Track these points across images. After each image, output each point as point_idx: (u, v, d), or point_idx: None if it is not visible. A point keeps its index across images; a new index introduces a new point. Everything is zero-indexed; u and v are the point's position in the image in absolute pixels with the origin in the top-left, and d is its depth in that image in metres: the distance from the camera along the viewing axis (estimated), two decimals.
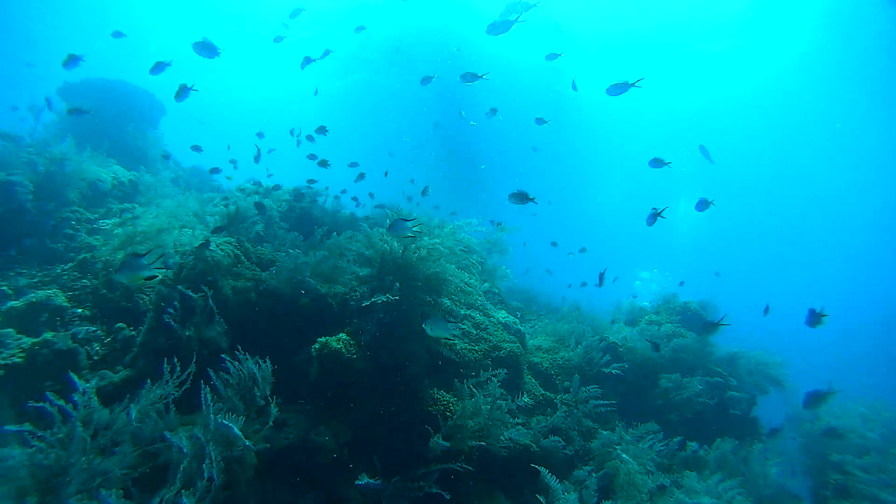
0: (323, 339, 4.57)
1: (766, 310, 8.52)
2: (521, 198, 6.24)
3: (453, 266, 5.62)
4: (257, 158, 11.07)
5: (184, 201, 9.77)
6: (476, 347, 6.19)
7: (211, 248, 4.90)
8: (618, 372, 8.12)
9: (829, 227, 48.16)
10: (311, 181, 10.40)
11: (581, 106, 29.52)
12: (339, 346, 4.52)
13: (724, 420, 8.64)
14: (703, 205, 8.24)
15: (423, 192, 13.09)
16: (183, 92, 7.74)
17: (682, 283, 11.64)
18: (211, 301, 4.59)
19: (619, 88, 7.86)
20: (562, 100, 28.45)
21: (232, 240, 5.44)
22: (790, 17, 23.12)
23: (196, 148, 11.15)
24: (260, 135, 11.87)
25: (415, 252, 5.07)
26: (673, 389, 8.56)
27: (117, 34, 11.27)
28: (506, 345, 6.56)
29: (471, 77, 8.31)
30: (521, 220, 10.56)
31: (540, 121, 9.33)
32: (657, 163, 8.28)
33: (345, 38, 26.26)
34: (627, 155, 36.04)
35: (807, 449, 9.29)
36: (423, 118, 28.14)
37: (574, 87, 11.87)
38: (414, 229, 5.56)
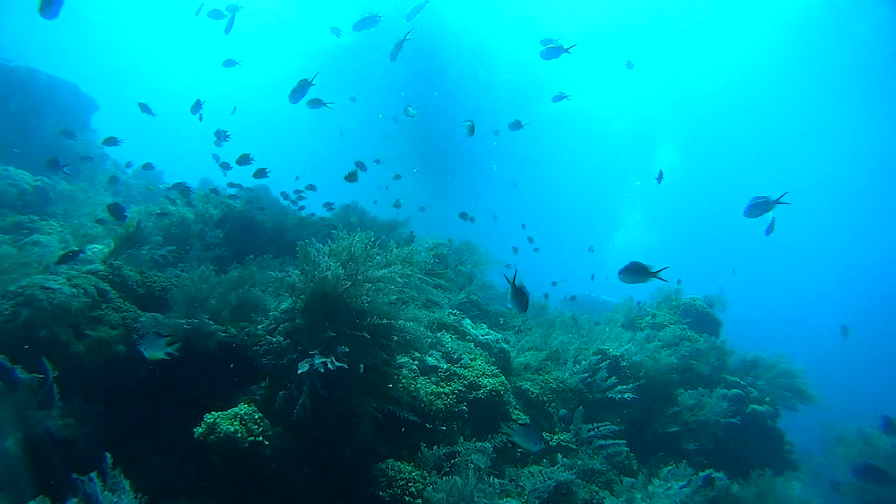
0: (210, 418, 3.09)
1: (845, 331, 7.32)
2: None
3: (413, 308, 4.09)
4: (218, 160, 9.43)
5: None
6: (447, 389, 4.75)
7: (54, 284, 3.39)
8: (626, 396, 6.76)
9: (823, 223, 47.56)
10: (261, 172, 8.28)
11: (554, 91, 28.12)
12: (233, 429, 3.05)
13: (745, 440, 7.40)
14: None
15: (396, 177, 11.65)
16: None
17: (679, 282, 10.43)
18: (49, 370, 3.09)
19: (553, 52, 7.37)
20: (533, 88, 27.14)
21: (100, 268, 3.91)
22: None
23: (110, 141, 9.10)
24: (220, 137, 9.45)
25: (357, 288, 3.59)
26: (689, 410, 7.26)
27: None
28: (486, 381, 5.13)
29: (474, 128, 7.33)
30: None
31: (514, 126, 8.03)
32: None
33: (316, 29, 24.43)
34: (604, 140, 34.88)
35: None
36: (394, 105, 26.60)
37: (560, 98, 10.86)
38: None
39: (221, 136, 7.56)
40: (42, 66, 11.91)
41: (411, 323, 3.86)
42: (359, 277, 3.61)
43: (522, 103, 27.72)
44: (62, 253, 4.46)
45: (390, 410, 3.74)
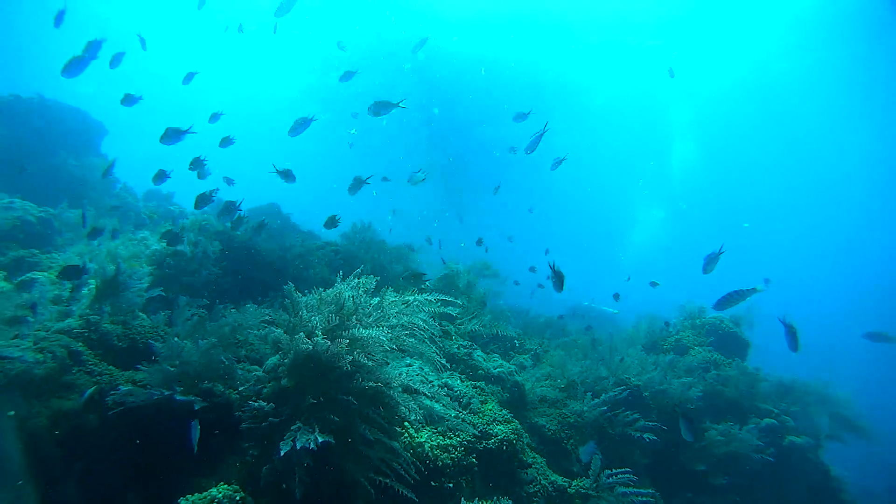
0: None
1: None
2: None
3: (406, 370, 3.74)
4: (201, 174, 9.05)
5: (102, 244, 7.99)
6: (455, 441, 4.38)
7: (14, 352, 3.11)
8: (650, 438, 6.28)
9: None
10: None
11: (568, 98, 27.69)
12: None
13: (783, 475, 6.85)
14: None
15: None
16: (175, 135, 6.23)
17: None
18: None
19: (534, 143, 6.95)
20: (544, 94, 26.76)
21: (74, 325, 3.63)
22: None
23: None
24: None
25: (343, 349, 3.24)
26: (719, 443, 6.76)
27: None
28: (497, 428, 4.75)
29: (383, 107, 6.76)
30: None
31: (519, 117, 7.60)
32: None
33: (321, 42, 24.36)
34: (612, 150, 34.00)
35: None
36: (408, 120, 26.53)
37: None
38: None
39: (227, 142, 7.29)
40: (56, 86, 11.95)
41: (404, 386, 3.51)
42: (345, 337, 3.26)
43: (538, 108, 27.35)
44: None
45: (390, 469, 3.38)
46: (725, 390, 7.49)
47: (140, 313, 5.04)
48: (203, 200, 5.81)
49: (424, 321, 4.24)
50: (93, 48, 6.92)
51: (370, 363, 3.28)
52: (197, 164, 6.99)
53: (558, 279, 4.82)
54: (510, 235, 13.56)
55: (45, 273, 6.94)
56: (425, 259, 10.09)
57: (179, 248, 6.30)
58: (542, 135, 7.27)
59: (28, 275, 6.49)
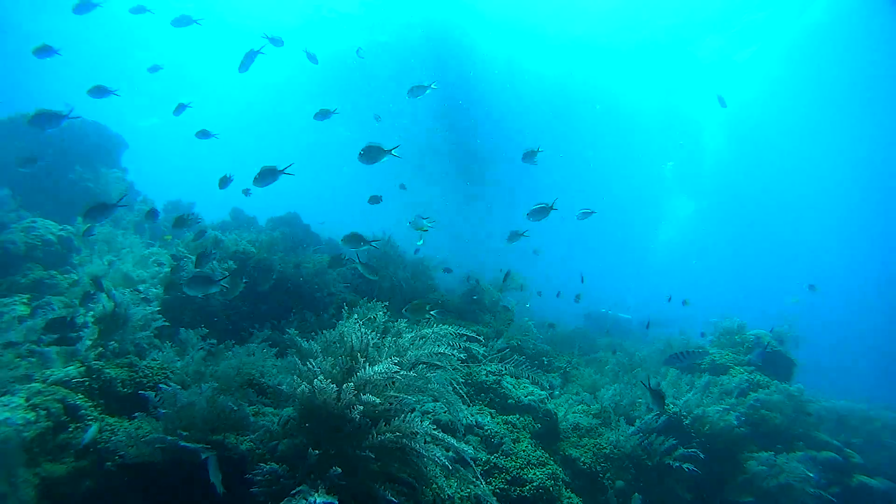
0: None
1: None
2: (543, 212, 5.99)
3: (432, 405, 3.39)
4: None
5: (117, 262, 7.88)
6: (486, 490, 4.02)
7: (2, 412, 2.83)
8: (690, 468, 5.84)
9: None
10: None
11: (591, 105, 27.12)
12: None
13: None
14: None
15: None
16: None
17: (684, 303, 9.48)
18: None
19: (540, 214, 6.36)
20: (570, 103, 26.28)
21: (73, 374, 3.35)
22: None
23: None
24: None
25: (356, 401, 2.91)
26: (765, 475, 6.27)
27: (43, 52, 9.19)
28: (532, 473, 4.38)
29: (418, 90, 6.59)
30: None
31: (528, 157, 7.34)
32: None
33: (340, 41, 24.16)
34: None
35: None
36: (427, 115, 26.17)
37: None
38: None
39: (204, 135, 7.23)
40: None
41: (431, 435, 3.17)
42: (352, 381, 2.93)
43: (561, 110, 26.98)
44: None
45: None
46: (771, 416, 6.98)
47: (151, 345, 4.81)
48: (181, 222, 5.67)
49: (445, 353, 3.90)
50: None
51: (386, 409, 2.95)
52: (225, 182, 6.89)
53: (657, 397, 5.11)
54: (536, 248, 13.17)
55: (62, 297, 6.81)
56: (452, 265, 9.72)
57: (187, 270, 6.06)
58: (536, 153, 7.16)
59: (45, 298, 6.35)
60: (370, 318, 3.94)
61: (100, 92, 7.34)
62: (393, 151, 5.20)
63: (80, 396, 3.25)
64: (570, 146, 29.63)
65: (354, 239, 5.63)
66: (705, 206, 42.49)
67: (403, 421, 3.21)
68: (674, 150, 32.44)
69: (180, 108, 7.77)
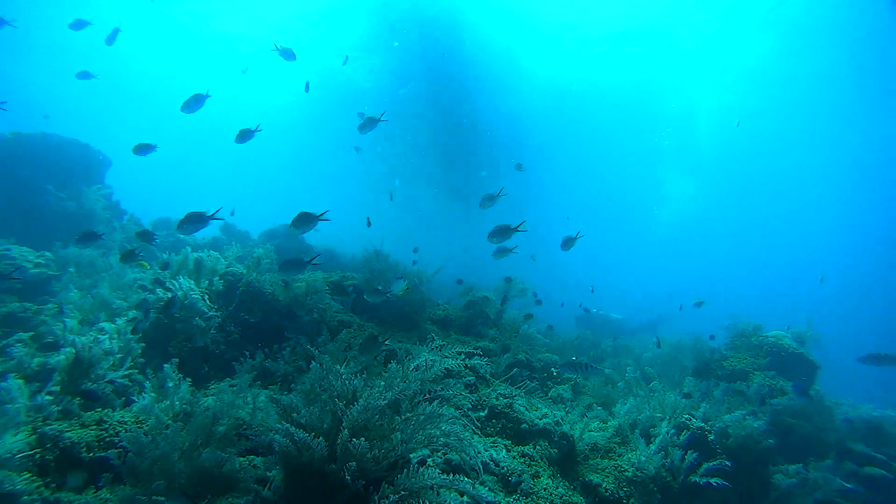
0: None
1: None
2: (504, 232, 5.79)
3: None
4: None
5: (95, 291, 7.42)
6: None
7: None
8: (718, 483, 5.44)
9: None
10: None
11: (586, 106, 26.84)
12: None
13: None
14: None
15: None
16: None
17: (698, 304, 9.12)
18: None
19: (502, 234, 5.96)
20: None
21: (21, 450, 2.85)
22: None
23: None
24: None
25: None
26: (795, 490, 5.87)
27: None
28: None
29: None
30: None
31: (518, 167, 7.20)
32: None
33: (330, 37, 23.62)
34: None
35: None
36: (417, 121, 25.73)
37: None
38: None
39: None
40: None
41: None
42: (346, 432, 2.51)
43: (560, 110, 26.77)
44: None
45: None
46: (798, 424, 6.59)
47: (134, 381, 4.37)
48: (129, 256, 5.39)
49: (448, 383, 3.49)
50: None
51: (391, 463, 2.54)
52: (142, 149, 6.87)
53: None
54: (533, 253, 12.80)
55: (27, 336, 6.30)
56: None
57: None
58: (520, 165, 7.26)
59: (12, 338, 5.87)
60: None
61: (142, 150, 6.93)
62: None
63: (24, 477, 2.74)
64: (569, 145, 29.40)
65: (304, 220, 4.98)
66: (703, 186, 41.82)
67: (409, 476, 2.81)
68: (670, 127, 31.82)
69: (146, 148, 7.03)
